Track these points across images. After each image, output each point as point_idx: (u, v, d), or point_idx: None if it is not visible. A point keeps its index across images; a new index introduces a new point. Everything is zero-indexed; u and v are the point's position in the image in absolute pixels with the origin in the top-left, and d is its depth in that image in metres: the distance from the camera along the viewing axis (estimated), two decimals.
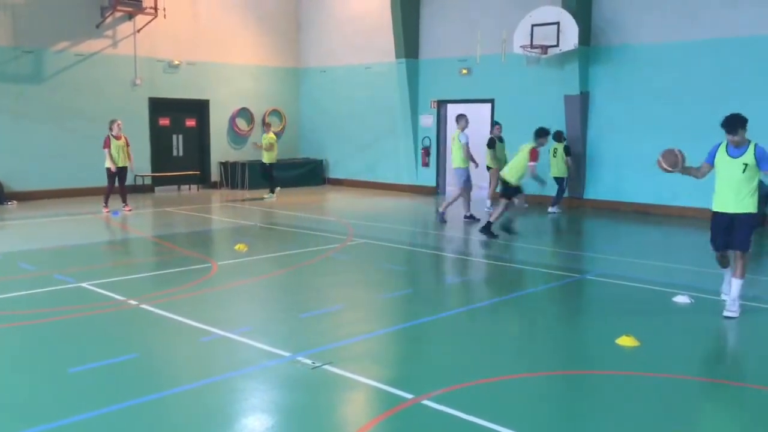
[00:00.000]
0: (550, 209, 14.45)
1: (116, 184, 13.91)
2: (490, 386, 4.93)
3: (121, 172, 13.91)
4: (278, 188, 17.02)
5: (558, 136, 14.39)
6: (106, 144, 13.76)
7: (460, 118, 13.24)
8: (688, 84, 13.62)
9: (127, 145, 14.01)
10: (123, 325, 6.41)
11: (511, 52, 15.26)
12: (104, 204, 13.82)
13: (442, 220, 12.90)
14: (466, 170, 13.06)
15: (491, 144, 14.66)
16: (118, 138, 13.80)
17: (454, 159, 13.12)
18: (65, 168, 16.26)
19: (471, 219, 12.97)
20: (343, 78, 19.74)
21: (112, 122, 13.92)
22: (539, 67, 15.31)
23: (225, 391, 4.83)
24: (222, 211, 15.00)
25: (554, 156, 14.49)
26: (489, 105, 16.83)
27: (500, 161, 14.30)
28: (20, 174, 15.65)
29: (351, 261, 9.47)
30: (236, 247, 10.01)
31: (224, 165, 19.20)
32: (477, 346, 5.94)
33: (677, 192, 13.81)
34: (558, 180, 14.56)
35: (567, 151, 14.41)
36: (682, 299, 7.25)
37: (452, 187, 13.31)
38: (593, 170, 15.21)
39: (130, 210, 13.88)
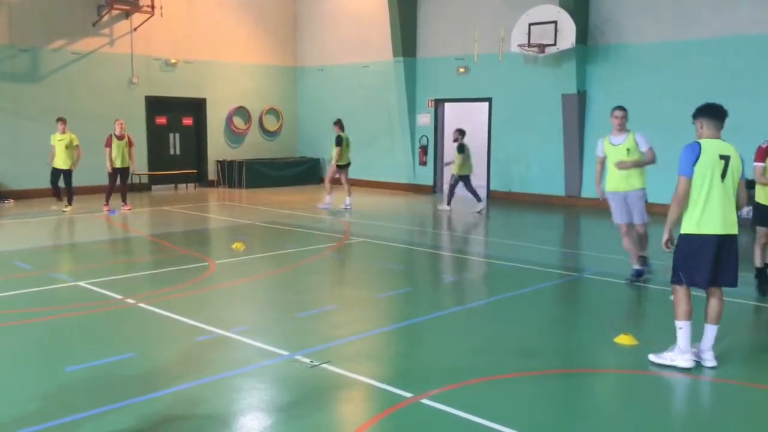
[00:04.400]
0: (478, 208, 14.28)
1: (118, 182, 13.93)
2: (489, 385, 4.93)
3: (124, 172, 13.89)
4: (71, 206, 13.77)
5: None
6: (108, 143, 13.77)
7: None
8: (685, 83, 13.63)
9: (130, 145, 13.96)
10: (120, 324, 6.40)
11: (508, 51, 15.26)
12: (105, 203, 13.77)
13: None
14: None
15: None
16: (120, 138, 13.76)
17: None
18: None
19: None
20: (341, 76, 19.73)
21: (115, 121, 13.99)
22: (536, 66, 15.32)
23: (223, 390, 4.81)
24: (219, 209, 14.98)
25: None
26: (486, 104, 16.84)
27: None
28: (16, 172, 15.61)
29: (348, 260, 9.46)
30: (233, 245, 10.00)
31: (221, 163, 19.17)
32: (475, 344, 5.94)
33: (673, 190, 13.82)
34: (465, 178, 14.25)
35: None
36: None
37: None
38: (590, 169, 15.21)
39: (129, 209, 13.84)
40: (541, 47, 14.50)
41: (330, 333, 6.15)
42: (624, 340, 5.81)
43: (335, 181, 14.63)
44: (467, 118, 18.98)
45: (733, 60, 13.05)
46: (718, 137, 5.16)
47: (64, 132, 13.73)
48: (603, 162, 8.04)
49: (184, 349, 5.76)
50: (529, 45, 14.57)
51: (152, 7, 17.01)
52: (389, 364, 5.54)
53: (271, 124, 20.40)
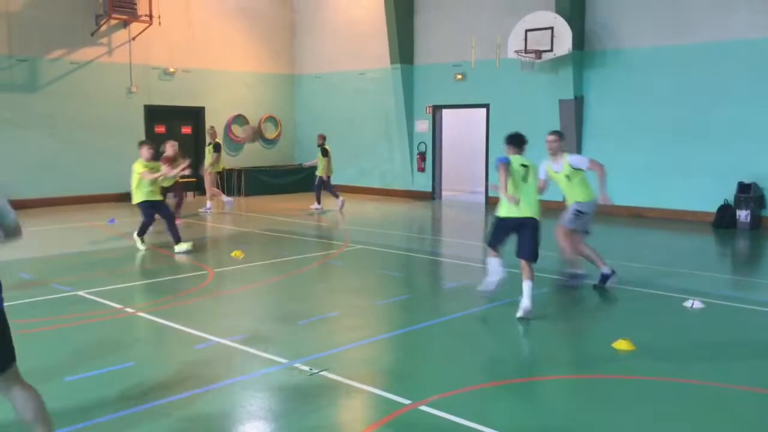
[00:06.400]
0: (314, 206, 15.36)
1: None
2: (487, 391, 4.94)
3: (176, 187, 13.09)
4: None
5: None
6: (165, 161, 12.15)
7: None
8: (681, 88, 13.68)
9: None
10: (119, 333, 6.40)
11: (505, 57, 15.31)
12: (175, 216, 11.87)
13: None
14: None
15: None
16: (175, 159, 12.47)
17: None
18: (60, 177, 16.24)
19: None
20: (338, 84, 19.77)
21: (167, 144, 13.00)
22: (533, 71, 15.35)
23: (222, 398, 4.82)
24: (218, 217, 14.98)
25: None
26: (484, 110, 16.88)
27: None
28: (15, 183, 15.62)
29: (348, 267, 9.47)
30: (232, 253, 10.01)
31: (220, 172, 19.14)
32: (474, 351, 5.94)
33: (672, 195, 13.88)
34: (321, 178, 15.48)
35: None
36: (696, 304, 7.19)
37: None
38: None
39: (180, 222, 12.59)
40: (538, 53, 14.54)
41: (329, 340, 6.16)
42: (622, 345, 5.82)
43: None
44: (465, 124, 19.08)
45: (729, 64, 13.09)
46: (520, 154, 7.07)
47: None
48: (545, 184, 8.12)
49: (182, 358, 5.77)
50: (526, 51, 14.62)
51: (150, 16, 17.07)
52: (388, 371, 5.55)
53: (269, 131, 20.44)
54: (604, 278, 8.06)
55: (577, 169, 8.09)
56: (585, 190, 8.22)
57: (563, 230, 8.28)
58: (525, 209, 6.94)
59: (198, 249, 11.03)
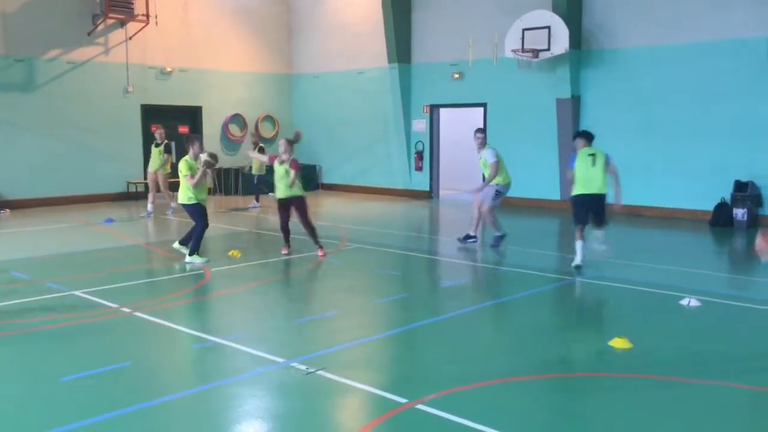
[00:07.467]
0: (252, 205, 15.95)
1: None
2: (484, 390, 4.94)
3: (296, 202, 10.21)
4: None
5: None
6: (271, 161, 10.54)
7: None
8: (678, 87, 13.69)
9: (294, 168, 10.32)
10: (116, 333, 6.39)
11: (502, 56, 15.31)
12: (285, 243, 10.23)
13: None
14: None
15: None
16: (281, 161, 10.28)
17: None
18: (57, 176, 16.22)
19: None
20: (336, 83, 19.77)
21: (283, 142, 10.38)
22: (531, 71, 15.37)
23: (219, 398, 4.82)
24: (215, 217, 14.96)
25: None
26: (481, 109, 16.88)
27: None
28: (12, 182, 15.60)
29: (345, 266, 9.47)
30: (230, 253, 10.01)
31: (217, 171, 19.15)
32: (471, 349, 5.95)
33: (669, 194, 13.90)
34: (259, 177, 16.07)
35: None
36: (693, 302, 7.21)
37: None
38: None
39: (324, 255, 9.90)
40: (535, 52, 14.55)
41: (326, 340, 6.16)
42: (619, 343, 5.84)
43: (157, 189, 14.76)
44: (463, 123, 19.05)
45: (726, 63, 13.10)
46: (589, 145, 9.01)
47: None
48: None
49: (180, 358, 5.77)
50: (523, 50, 14.63)
51: (147, 15, 17.05)
52: (385, 370, 5.56)
53: (267, 131, 20.42)
54: (468, 238, 10.91)
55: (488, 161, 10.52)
56: (503, 175, 10.69)
57: (488, 207, 10.62)
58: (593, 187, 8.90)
59: None
